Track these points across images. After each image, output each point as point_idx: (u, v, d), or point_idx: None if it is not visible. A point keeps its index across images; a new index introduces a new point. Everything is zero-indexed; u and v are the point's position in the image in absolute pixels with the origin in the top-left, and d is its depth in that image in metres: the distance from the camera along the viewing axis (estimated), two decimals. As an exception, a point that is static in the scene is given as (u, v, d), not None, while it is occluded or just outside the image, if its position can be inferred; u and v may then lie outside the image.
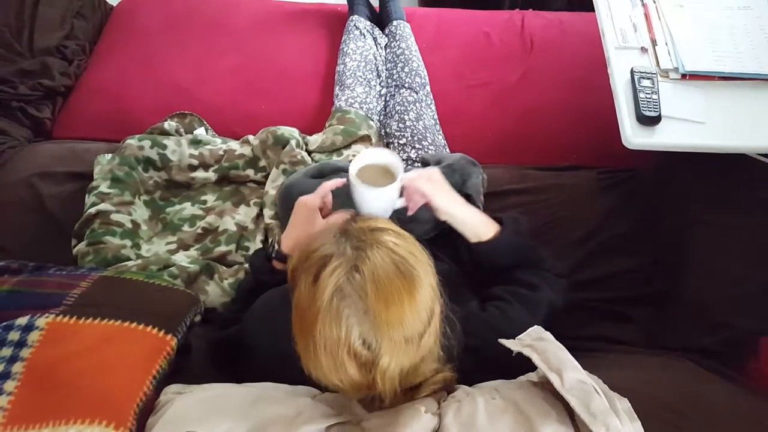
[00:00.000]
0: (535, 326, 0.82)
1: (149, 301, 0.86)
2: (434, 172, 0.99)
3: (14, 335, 0.76)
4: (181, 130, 1.58)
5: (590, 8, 1.48)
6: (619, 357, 1.09)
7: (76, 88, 1.72)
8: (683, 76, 1.31)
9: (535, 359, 0.72)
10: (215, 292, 1.21)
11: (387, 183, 0.95)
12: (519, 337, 0.79)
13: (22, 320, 0.78)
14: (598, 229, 1.36)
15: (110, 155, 1.44)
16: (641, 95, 1.26)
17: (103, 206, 1.28)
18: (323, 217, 0.97)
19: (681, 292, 1.23)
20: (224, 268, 1.27)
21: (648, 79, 1.29)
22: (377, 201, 0.97)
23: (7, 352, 0.75)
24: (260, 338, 0.91)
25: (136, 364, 0.76)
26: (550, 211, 1.40)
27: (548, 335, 0.80)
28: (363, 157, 0.98)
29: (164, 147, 1.38)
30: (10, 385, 0.72)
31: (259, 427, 0.69)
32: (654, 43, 1.37)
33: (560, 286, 1.06)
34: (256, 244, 1.32)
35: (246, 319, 0.95)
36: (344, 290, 0.69)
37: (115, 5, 1.96)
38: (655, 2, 1.44)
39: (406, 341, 0.70)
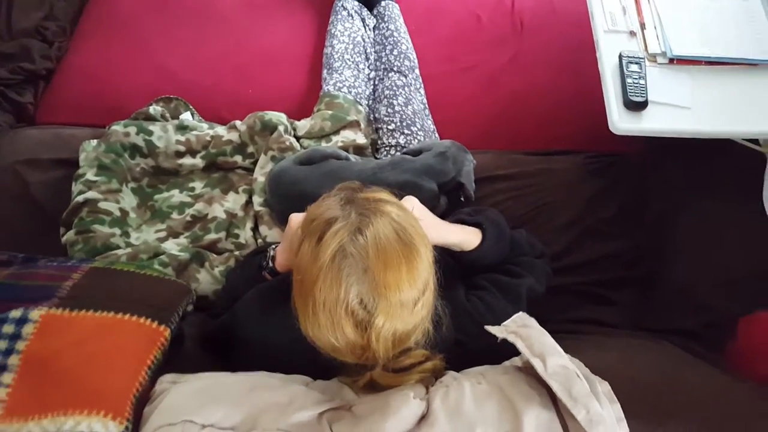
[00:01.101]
0: (520, 313, 0.84)
1: (141, 292, 0.86)
2: (412, 204, 0.94)
3: (8, 328, 0.76)
4: (167, 115, 1.56)
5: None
6: (602, 339, 1.12)
7: (58, 71, 1.69)
8: (671, 60, 1.32)
9: (520, 345, 0.74)
10: (206, 279, 1.22)
11: None
12: (504, 323, 0.81)
13: (16, 313, 0.78)
14: (584, 214, 1.38)
15: (96, 141, 1.43)
16: (629, 80, 1.27)
17: (90, 194, 1.27)
18: None
19: (665, 276, 1.26)
20: (215, 255, 1.27)
21: (636, 63, 1.30)
22: None
23: (2, 344, 0.75)
24: (253, 331, 0.92)
25: (131, 356, 0.76)
26: (537, 197, 1.42)
27: (532, 321, 0.82)
28: None
29: (150, 133, 1.37)
30: (7, 378, 0.73)
31: (254, 414, 0.71)
32: (643, 26, 1.38)
33: (542, 270, 1.08)
34: (245, 232, 1.32)
35: (238, 312, 0.95)
36: (346, 250, 0.71)
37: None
38: (646, -16, 1.44)
39: (401, 305, 0.73)
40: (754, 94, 1.28)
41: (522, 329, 0.79)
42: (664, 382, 0.87)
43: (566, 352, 0.92)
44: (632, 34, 1.38)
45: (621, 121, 1.25)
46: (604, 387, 0.76)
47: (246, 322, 0.93)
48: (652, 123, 1.25)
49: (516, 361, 0.84)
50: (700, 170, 1.35)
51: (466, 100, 1.63)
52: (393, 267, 0.71)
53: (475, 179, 1.38)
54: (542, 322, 1.14)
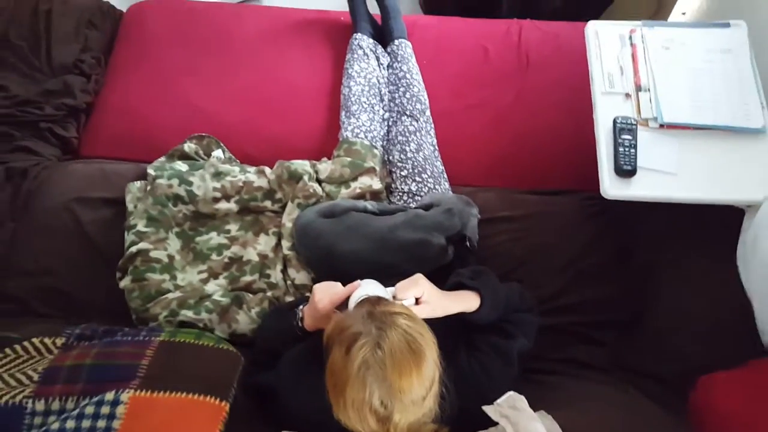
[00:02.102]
0: (511, 393, 1.04)
1: (203, 369, 1.06)
2: (423, 291, 1.10)
3: (105, 409, 0.97)
4: (200, 152, 1.72)
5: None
6: (581, 392, 1.30)
7: (97, 106, 1.84)
8: (661, 125, 1.45)
9: (509, 431, 0.94)
10: (245, 320, 1.42)
11: None
12: (497, 402, 1.01)
13: (110, 395, 0.98)
14: (578, 258, 1.54)
15: (140, 183, 1.60)
16: (621, 149, 1.41)
17: (142, 245, 1.45)
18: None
19: (645, 323, 1.43)
20: (250, 296, 1.47)
21: (628, 131, 1.42)
22: None
23: (102, 423, 0.96)
24: (290, 395, 1.13)
25: (202, 430, 0.97)
26: (536, 239, 1.57)
27: (522, 403, 1.01)
28: (360, 293, 1.09)
29: (190, 184, 1.53)
30: (109, 453, 0.94)
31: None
32: (638, 88, 1.49)
33: (531, 327, 1.27)
34: (276, 272, 1.50)
35: (278, 380, 1.15)
36: (369, 362, 0.90)
37: (124, 10, 2.01)
38: (643, 43, 1.55)
39: (413, 403, 0.92)
40: (738, 160, 1.40)
41: (512, 412, 0.98)
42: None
43: (550, 403, 1.13)
44: (627, 96, 1.50)
45: (612, 188, 1.40)
46: None
47: (286, 388, 1.14)
48: (640, 189, 1.40)
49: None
50: (684, 222, 1.49)
51: (472, 137, 1.76)
52: (406, 374, 0.90)
53: (479, 220, 1.55)
54: (533, 358, 1.35)
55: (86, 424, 0.96)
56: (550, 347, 1.45)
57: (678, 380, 1.32)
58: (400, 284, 1.12)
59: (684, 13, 2.14)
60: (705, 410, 1.20)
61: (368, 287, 1.10)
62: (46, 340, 1.12)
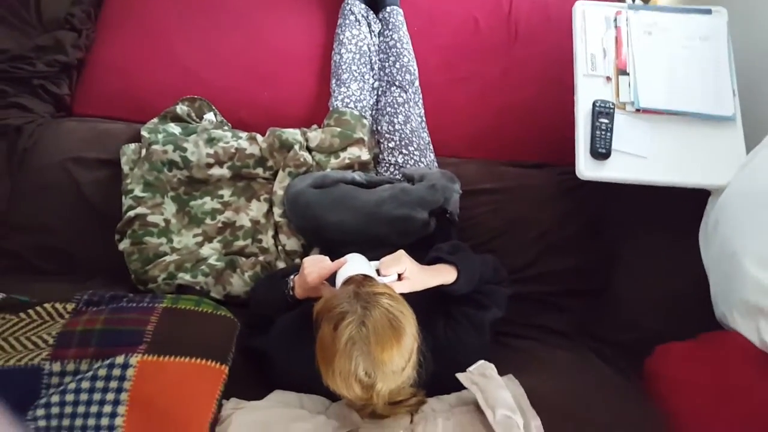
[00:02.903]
0: (482, 362, 1.16)
1: (204, 334, 1.17)
2: (405, 267, 1.20)
3: (116, 371, 1.07)
4: (192, 114, 1.76)
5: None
6: (547, 355, 1.43)
7: (89, 63, 1.85)
8: (637, 110, 1.52)
9: (479, 398, 1.07)
10: (238, 283, 1.51)
11: None
12: (469, 369, 1.14)
13: (120, 359, 1.08)
14: (550, 230, 1.64)
15: (134, 145, 1.65)
16: (597, 132, 1.49)
17: (139, 210, 1.52)
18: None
19: (609, 293, 1.56)
20: (243, 260, 1.56)
21: (606, 115, 1.50)
22: None
23: (114, 384, 1.06)
24: (283, 361, 1.24)
25: (204, 393, 1.09)
26: (513, 211, 1.66)
27: (491, 371, 1.14)
28: (346, 270, 1.17)
29: (185, 150, 1.58)
30: (121, 410, 1.04)
31: (293, 440, 1.04)
32: (619, 72, 1.56)
33: (503, 298, 1.38)
34: (268, 237, 1.59)
35: (271, 345, 1.26)
36: (354, 338, 1.01)
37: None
38: (627, 26, 1.60)
39: (393, 373, 1.04)
40: (707, 146, 1.50)
41: (481, 379, 1.11)
42: (582, 407, 1.21)
43: (519, 364, 1.27)
44: (608, 79, 1.56)
45: (586, 169, 1.49)
46: (536, 422, 1.09)
47: (277, 354, 1.25)
48: (613, 171, 1.49)
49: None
50: (652, 200, 1.59)
51: (458, 109, 1.82)
52: (387, 348, 1.01)
53: (461, 192, 1.63)
54: (505, 323, 1.47)
55: (100, 384, 1.07)
56: (521, 314, 1.57)
57: (636, 347, 1.46)
58: (384, 260, 1.22)
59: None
60: (657, 377, 1.35)
61: (354, 265, 1.19)
62: (58, 305, 1.21)
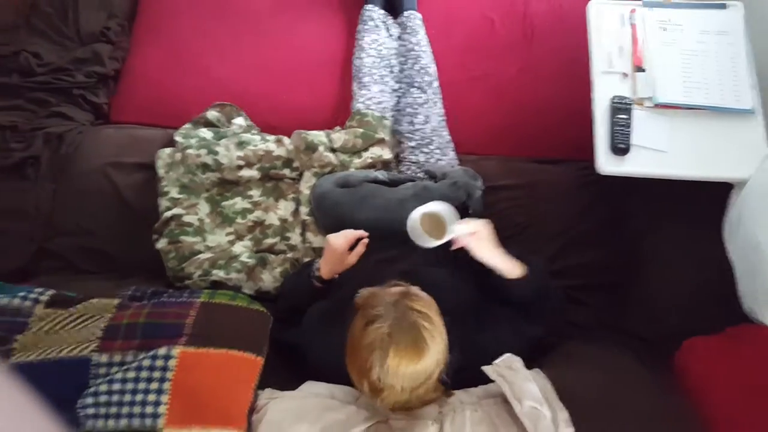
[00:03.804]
0: (508, 355, 1.20)
1: (240, 327, 1.24)
2: (482, 230, 1.26)
3: (159, 362, 1.15)
4: (222, 119, 1.84)
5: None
6: (572, 350, 1.45)
7: (124, 74, 1.95)
8: (655, 105, 1.55)
9: (506, 390, 1.11)
10: (268, 279, 1.59)
11: (441, 230, 1.27)
12: (495, 362, 1.18)
13: (162, 351, 1.16)
14: (572, 225, 1.68)
15: (169, 150, 1.73)
16: (616, 127, 1.52)
17: (175, 210, 1.61)
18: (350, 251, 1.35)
19: (633, 287, 1.58)
20: (273, 257, 1.63)
21: (624, 110, 1.53)
22: (428, 245, 1.29)
23: (157, 374, 1.14)
24: (315, 349, 1.30)
25: (242, 383, 1.16)
26: (533, 207, 1.71)
27: (518, 364, 1.17)
28: (430, 205, 1.27)
29: (216, 153, 1.66)
30: (164, 398, 1.12)
31: (325, 428, 1.10)
32: (636, 68, 1.58)
33: (553, 323, 1.39)
34: (295, 235, 1.66)
35: (302, 334, 1.33)
36: (376, 344, 1.05)
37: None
38: (643, 23, 1.62)
39: (402, 390, 1.06)
40: (727, 140, 1.51)
41: (508, 372, 1.15)
42: (611, 400, 1.22)
43: (545, 359, 1.29)
44: (625, 75, 1.59)
45: (606, 164, 1.52)
46: (563, 415, 1.11)
47: (310, 344, 1.31)
48: (633, 166, 1.51)
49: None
50: (674, 194, 1.61)
51: (477, 107, 1.87)
52: (403, 366, 1.03)
53: (484, 189, 1.68)
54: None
55: (144, 374, 1.15)
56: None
57: (660, 341, 1.47)
58: (469, 219, 1.27)
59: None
60: (685, 372, 1.36)
61: (439, 205, 1.27)
62: (104, 300, 1.30)
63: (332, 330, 1.28)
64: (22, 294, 1.32)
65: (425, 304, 1.10)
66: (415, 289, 1.14)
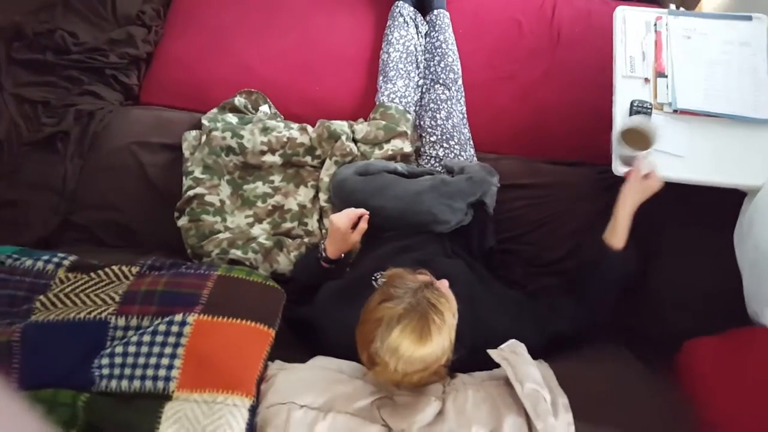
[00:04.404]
0: (513, 341, 1.21)
1: (254, 300, 1.27)
2: (654, 182, 1.40)
3: (175, 328, 1.18)
4: (249, 106, 1.88)
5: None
6: (578, 346, 1.47)
7: (156, 56, 2.00)
8: (675, 111, 1.56)
9: (508, 372, 1.13)
10: (284, 262, 1.62)
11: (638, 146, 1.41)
12: (500, 347, 1.20)
13: (178, 317, 1.19)
14: (586, 227, 1.69)
15: (195, 132, 1.78)
16: (634, 131, 1.53)
17: (198, 190, 1.65)
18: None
19: (641, 287, 1.60)
20: (290, 240, 1.66)
21: (644, 114, 1.54)
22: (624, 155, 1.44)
23: (172, 339, 1.17)
24: (328, 324, 1.33)
25: (253, 351, 1.18)
26: (549, 206, 1.72)
27: (521, 349, 1.19)
28: (632, 119, 1.43)
29: (241, 137, 1.71)
30: (177, 362, 1.15)
31: (331, 399, 1.13)
32: (657, 74, 1.60)
33: (585, 328, 1.40)
34: (313, 221, 1.69)
35: (315, 310, 1.36)
36: (384, 321, 1.07)
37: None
38: (667, 30, 1.64)
39: (395, 370, 1.08)
40: (743, 147, 1.52)
41: (511, 356, 1.17)
42: (611, 392, 1.25)
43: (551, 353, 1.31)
44: (646, 80, 1.61)
45: (623, 166, 1.53)
46: (563, 399, 1.14)
47: (324, 318, 1.34)
48: (650, 169, 1.53)
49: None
50: (687, 199, 1.62)
51: (500, 108, 1.89)
52: (402, 350, 1.05)
53: (499, 186, 1.70)
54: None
55: (159, 339, 1.18)
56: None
57: (665, 342, 1.49)
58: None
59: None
60: (686, 371, 1.37)
61: (637, 118, 1.42)
62: (124, 268, 1.33)
63: (344, 307, 1.31)
64: (45, 257, 1.37)
65: (444, 301, 1.11)
66: (441, 285, 1.16)
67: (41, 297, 1.29)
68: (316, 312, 1.37)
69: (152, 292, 1.26)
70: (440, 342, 1.07)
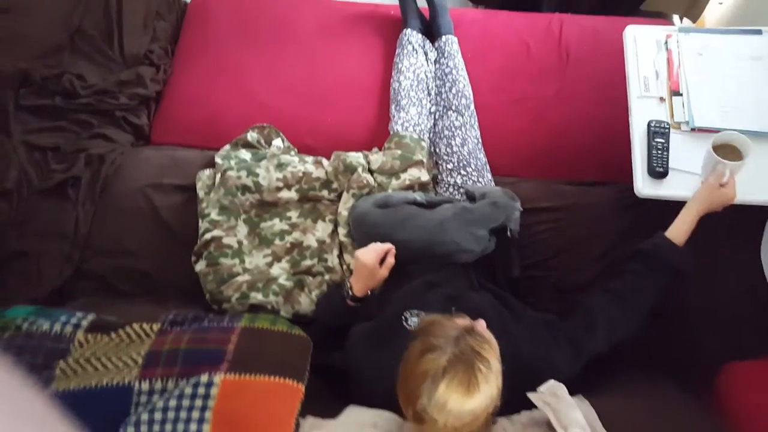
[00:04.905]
0: (552, 381, 1.19)
1: (281, 353, 1.24)
2: (731, 192, 1.39)
3: (201, 390, 1.15)
4: (262, 141, 1.87)
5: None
6: (616, 377, 1.44)
7: (165, 95, 1.98)
8: (692, 129, 1.55)
9: (551, 418, 1.10)
10: (306, 302, 1.59)
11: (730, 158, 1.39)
12: (540, 389, 1.17)
13: (204, 378, 1.16)
14: (613, 248, 1.65)
15: (208, 171, 1.76)
16: (654, 151, 1.51)
17: (215, 233, 1.63)
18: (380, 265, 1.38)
19: (673, 313, 1.56)
20: (311, 279, 1.64)
21: (662, 134, 1.52)
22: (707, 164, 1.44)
23: (199, 402, 1.14)
24: (362, 371, 1.30)
25: (284, 411, 1.15)
26: (572, 229, 1.68)
27: (562, 391, 1.16)
28: (724, 136, 1.42)
29: (257, 175, 1.69)
30: (206, 427, 1.11)
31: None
32: (672, 93, 1.59)
33: (622, 334, 1.36)
34: (333, 257, 1.67)
35: (346, 356, 1.33)
36: (429, 375, 1.03)
37: (188, 1, 2.13)
38: (678, 48, 1.63)
39: (443, 425, 1.04)
40: (763, 163, 1.51)
41: (553, 400, 1.14)
42: (657, 427, 1.22)
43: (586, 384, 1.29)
44: (661, 99, 1.59)
45: (644, 187, 1.51)
46: None
47: (357, 364, 1.31)
48: (671, 189, 1.50)
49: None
50: (712, 218, 1.60)
51: (515, 130, 1.87)
52: (450, 403, 1.01)
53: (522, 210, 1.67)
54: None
55: (186, 403, 1.14)
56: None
57: (695, 367, 1.46)
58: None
59: (721, 2, 2.18)
60: (724, 398, 1.35)
61: (733, 135, 1.41)
62: (144, 326, 1.31)
63: (378, 351, 1.29)
64: (63, 319, 1.33)
65: (488, 347, 1.07)
66: (481, 328, 1.13)
67: (61, 363, 1.25)
68: (349, 359, 1.34)
69: (175, 351, 1.23)
70: (488, 391, 1.04)
